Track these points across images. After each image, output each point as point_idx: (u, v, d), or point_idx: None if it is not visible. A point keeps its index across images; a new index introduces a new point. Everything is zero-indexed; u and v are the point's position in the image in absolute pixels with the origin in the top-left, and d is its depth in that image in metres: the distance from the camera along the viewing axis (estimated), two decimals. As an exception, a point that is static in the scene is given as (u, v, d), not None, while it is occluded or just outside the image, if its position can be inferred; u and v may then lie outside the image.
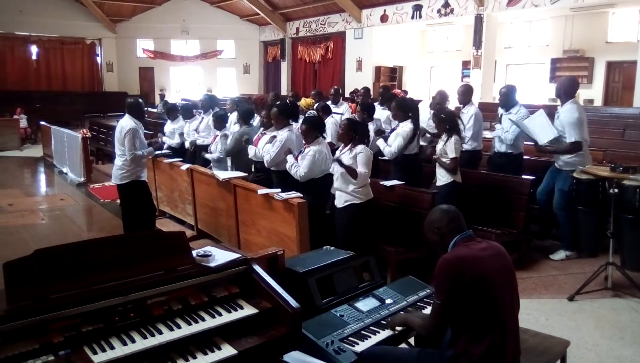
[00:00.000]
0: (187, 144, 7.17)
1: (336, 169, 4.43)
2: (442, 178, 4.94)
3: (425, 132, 5.94)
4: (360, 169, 4.27)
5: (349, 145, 4.41)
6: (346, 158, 4.34)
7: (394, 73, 18.70)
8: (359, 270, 3.16)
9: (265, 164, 5.18)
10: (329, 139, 5.96)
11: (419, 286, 3.07)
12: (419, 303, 2.89)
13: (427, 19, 15.77)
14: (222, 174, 5.43)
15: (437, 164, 5.01)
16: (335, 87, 9.19)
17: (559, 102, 5.46)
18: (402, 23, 16.59)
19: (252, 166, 5.76)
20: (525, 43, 16.16)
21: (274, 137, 5.18)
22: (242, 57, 23.65)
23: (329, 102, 7.71)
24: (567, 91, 5.26)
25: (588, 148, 5.40)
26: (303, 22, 20.65)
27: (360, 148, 4.34)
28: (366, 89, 9.07)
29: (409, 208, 4.71)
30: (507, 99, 5.85)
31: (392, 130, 5.60)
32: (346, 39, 18.81)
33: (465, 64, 16.47)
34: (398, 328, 2.60)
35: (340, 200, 4.43)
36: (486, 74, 14.16)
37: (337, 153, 4.56)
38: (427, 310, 2.76)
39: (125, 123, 5.38)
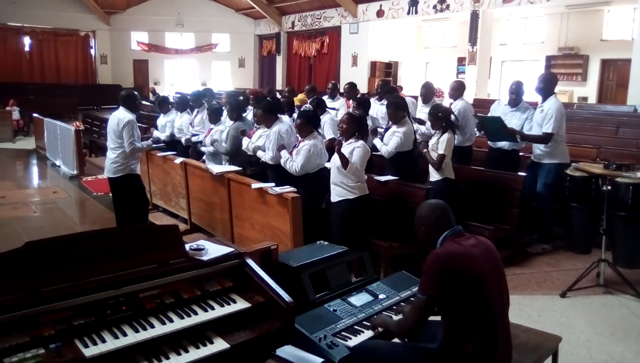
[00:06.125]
0: (183, 141, 7.01)
1: (333, 163, 4.41)
2: (434, 174, 4.94)
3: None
4: (354, 159, 4.23)
5: (352, 140, 4.35)
6: (344, 151, 4.30)
7: (390, 69, 18.68)
8: (353, 265, 3.16)
9: (269, 161, 5.10)
10: (329, 136, 5.93)
11: (412, 281, 3.07)
12: (411, 299, 2.89)
13: (423, 14, 15.77)
14: (216, 168, 5.41)
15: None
16: (333, 82, 9.08)
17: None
18: (398, 18, 16.57)
19: (249, 160, 5.71)
20: (520, 40, 16.15)
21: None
22: (237, 50, 23.55)
23: (325, 97, 7.63)
24: (550, 87, 5.32)
25: (566, 143, 5.46)
26: (299, 17, 20.57)
27: (359, 143, 4.31)
28: (351, 84, 8.74)
29: (403, 204, 4.71)
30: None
31: (388, 128, 5.57)
32: (342, 33, 18.76)
33: (461, 60, 16.48)
34: (380, 329, 2.59)
35: (335, 195, 4.42)
36: (481, 70, 14.17)
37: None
38: None
39: (122, 115, 5.29)
